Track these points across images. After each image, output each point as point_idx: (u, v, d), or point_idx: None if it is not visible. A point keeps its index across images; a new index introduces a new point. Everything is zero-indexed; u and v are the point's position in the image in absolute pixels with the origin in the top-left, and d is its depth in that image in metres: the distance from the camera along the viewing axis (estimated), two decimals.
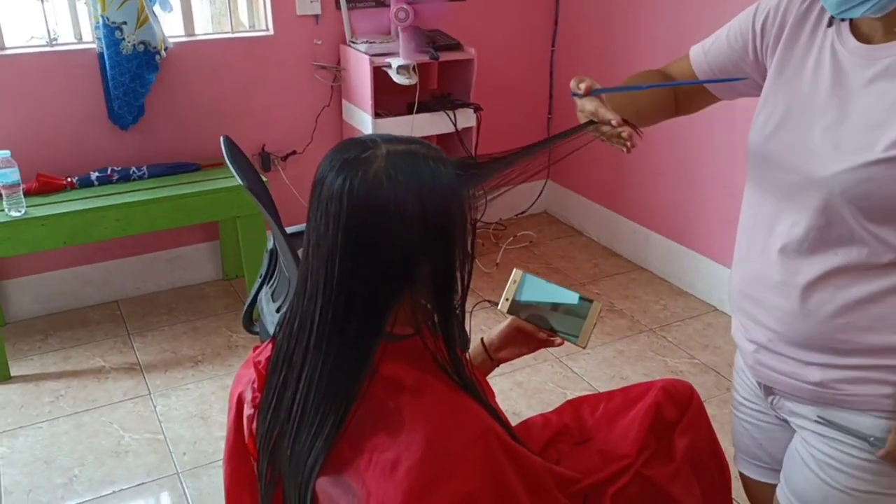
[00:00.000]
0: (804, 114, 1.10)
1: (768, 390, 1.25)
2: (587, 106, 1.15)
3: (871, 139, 1.00)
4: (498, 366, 1.26)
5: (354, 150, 0.88)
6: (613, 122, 1.11)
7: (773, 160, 1.14)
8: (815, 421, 1.16)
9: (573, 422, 1.30)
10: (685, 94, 1.35)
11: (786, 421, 1.25)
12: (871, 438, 1.09)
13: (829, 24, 1.10)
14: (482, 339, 1.26)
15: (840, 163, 1.03)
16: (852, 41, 1.07)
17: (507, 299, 1.23)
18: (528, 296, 1.22)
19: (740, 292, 1.23)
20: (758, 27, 1.19)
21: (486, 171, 0.95)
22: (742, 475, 1.43)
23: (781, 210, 1.13)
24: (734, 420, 1.40)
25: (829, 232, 1.06)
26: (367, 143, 0.89)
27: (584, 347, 1.20)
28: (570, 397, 1.40)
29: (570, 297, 1.20)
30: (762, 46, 1.19)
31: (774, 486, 1.31)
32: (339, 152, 0.90)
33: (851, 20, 1.08)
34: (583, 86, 1.17)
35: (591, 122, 1.15)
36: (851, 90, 1.05)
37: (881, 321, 1.06)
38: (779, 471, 1.30)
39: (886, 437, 1.08)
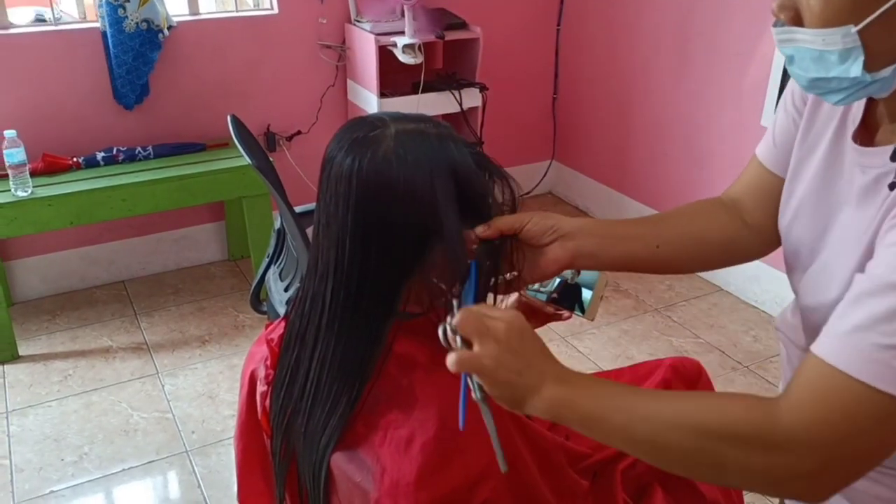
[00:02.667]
0: (810, 214, 0.92)
1: None
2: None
3: (834, 276, 0.84)
4: None
5: (363, 130, 0.88)
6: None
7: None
8: None
9: None
10: (759, 210, 1.06)
11: None
12: None
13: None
14: None
15: (804, 298, 0.90)
16: (849, 135, 0.87)
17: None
18: None
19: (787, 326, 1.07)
20: (794, 94, 1.00)
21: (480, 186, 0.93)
22: None
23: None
24: None
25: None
26: (376, 122, 0.89)
27: (591, 320, 1.20)
28: None
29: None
30: (798, 114, 0.98)
31: None
32: (347, 132, 0.89)
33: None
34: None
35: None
36: (835, 200, 0.88)
37: None
38: None
39: None
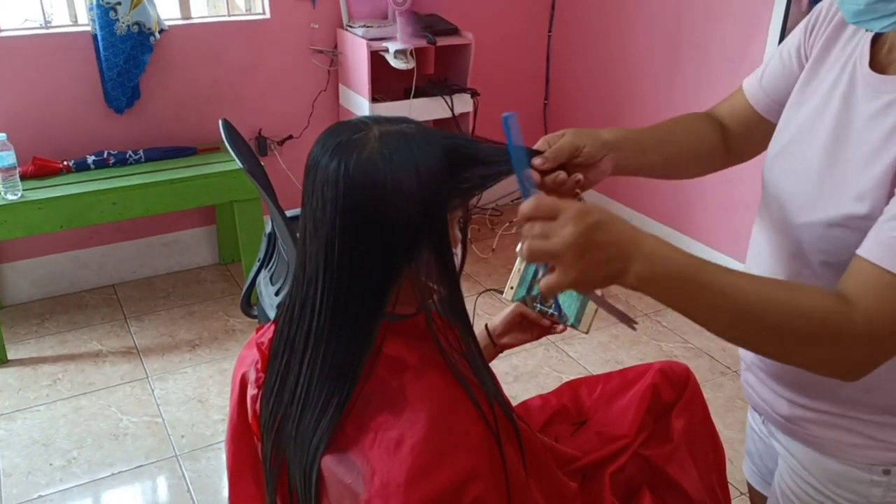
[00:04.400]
0: (804, 143, 0.98)
1: (757, 409, 1.19)
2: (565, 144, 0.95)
3: (847, 189, 0.90)
4: (501, 352, 1.28)
5: (346, 133, 0.88)
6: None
7: (767, 189, 1.06)
8: (786, 450, 1.11)
9: (571, 403, 1.31)
10: (738, 137, 1.15)
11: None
12: None
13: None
14: (486, 326, 1.27)
15: (814, 213, 0.94)
16: (865, 65, 0.93)
17: (511, 287, 1.24)
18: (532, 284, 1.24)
19: None
20: (808, 30, 1.04)
21: (477, 152, 0.94)
22: (747, 480, 1.39)
23: (767, 241, 1.05)
24: (748, 422, 1.35)
25: (802, 279, 0.98)
26: (359, 125, 0.90)
27: (586, 332, 1.22)
28: (566, 381, 1.42)
29: None
30: (809, 53, 1.03)
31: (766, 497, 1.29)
32: (330, 136, 0.90)
33: (876, 38, 0.94)
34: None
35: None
36: (852, 125, 0.93)
37: None
38: (770, 484, 1.25)
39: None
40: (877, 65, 0.93)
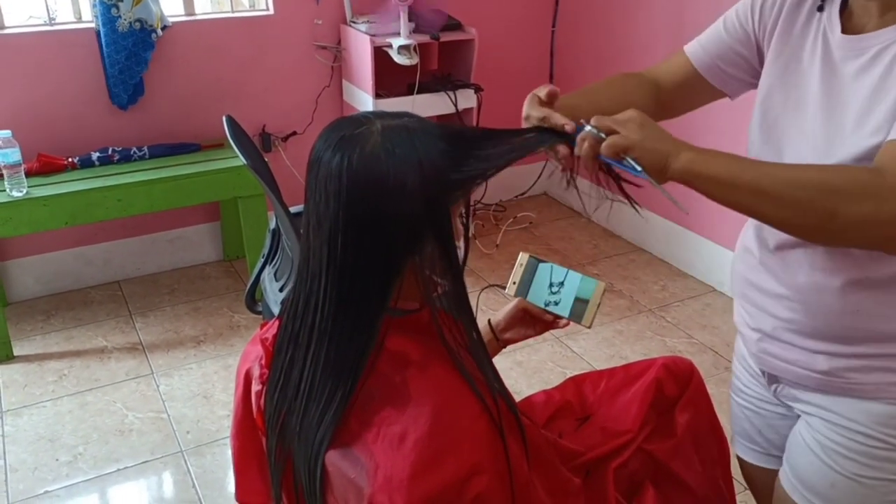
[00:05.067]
0: (799, 106, 1.07)
1: (772, 378, 1.23)
2: (533, 112, 1.06)
3: (860, 131, 0.98)
4: (504, 347, 1.28)
5: (349, 128, 0.89)
6: (567, 129, 1.02)
7: (770, 152, 1.12)
8: (821, 407, 1.14)
9: (575, 398, 1.31)
10: (672, 93, 1.27)
11: (790, 407, 1.23)
12: None
13: (821, 9, 1.07)
14: (489, 321, 1.28)
15: (831, 157, 1.01)
16: (838, 32, 1.03)
17: (514, 283, 1.24)
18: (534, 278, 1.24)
19: (744, 280, 1.22)
20: (756, 8, 1.16)
21: (480, 145, 0.95)
22: (740, 459, 1.42)
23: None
24: (733, 405, 1.39)
25: (804, 252, 1.06)
26: (361, 119, 0.90)
27: (589, 327, 1.22)
28: (569, 377, 1.42)
29: (575, 278, 1.22)
30: (760, 30, 1.16)
31: (773, 470, 1.31)
32: (333, 131, 0.90)
33: (843, 5, 1.05)
34: (544, 92, 1.08)
35: (538, 129, 1.05)
36: (841, 83, 1.02)
37: (889, 307, 1.04)
38: (777, 456, 1.29)
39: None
40: (849, 29, 1.03)
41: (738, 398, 1.37)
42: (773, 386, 1.24)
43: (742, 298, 1.24)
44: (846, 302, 1.06)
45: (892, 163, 0.91)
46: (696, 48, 1.25)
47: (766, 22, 1.15)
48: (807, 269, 1.09)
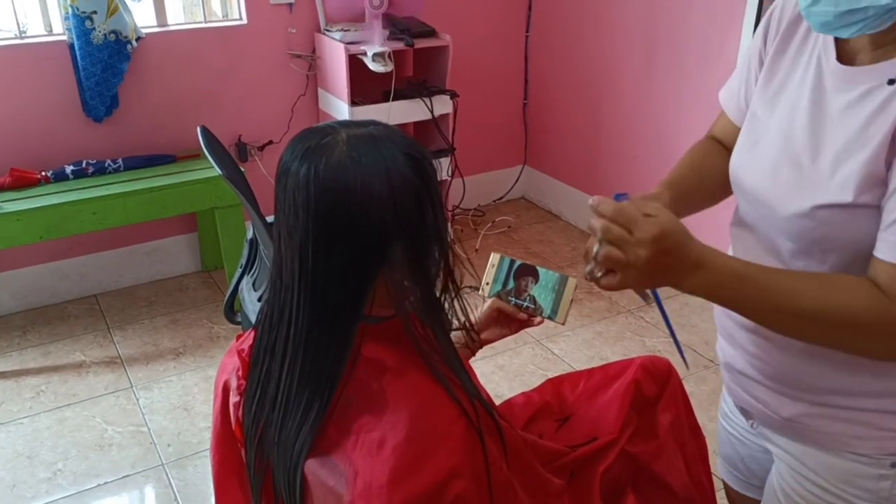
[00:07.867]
0: (778, 137, 1.01)
1: (746, 413, 1.19)
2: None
3: (833, 179, 0.92)
4: (481, 347, 1.28)
5: (315, 138, 0.89)
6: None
7: (740, 186, 1.08)
8: (788, 452, 1.11)
9: (554, 399, 1.32)
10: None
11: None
12: None
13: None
14: (466, 322, 1.28)
15: (806, 199, 0.95)
16: (832, 58, 0.97)
17: (487, 283, 1.25)
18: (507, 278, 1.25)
19: (721, 310, 1.16)
20: (763, 36, 1.09)
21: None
22: (724, 482, 1.39)
23: (749, 239, 1.08)
24: (720, 428, 1.35)
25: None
26: (327, 129, 0.91)
27: (563, 323, 1.23)
28: (548, 378, 1.43)
29: (546, 275, 1.23)
30: (766, 54, 1.08)
31: (753, 499, 1.30)
32: (299, 142, 0.91)
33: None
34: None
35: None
36: (828, 116, 0.96)
37: (857, 358, 0.97)
38: (758, 487, 1.26)
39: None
40: (843, 56, 0.96)
41: (725, 424, 1.34)
42: (749, 421, 1.21)
43: (720, 328, 1.20)
44: (812, 347, 0.99)
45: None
46: (728, 96, 1.20)
47: (769, 44, 1.08)
48: None
